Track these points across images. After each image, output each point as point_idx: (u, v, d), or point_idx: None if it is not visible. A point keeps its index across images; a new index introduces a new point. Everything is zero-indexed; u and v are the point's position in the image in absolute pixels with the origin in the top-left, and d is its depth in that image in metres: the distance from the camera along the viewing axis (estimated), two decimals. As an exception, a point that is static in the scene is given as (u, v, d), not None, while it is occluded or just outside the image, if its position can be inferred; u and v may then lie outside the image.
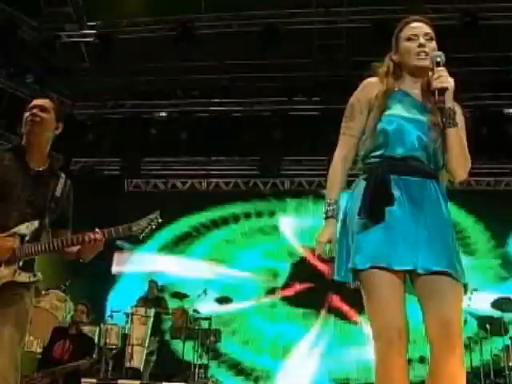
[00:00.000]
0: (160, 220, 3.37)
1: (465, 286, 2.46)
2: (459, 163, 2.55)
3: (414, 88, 2.65)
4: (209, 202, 11.88)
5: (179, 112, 11.64)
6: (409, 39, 2.62)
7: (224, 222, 11.86)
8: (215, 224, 11.85)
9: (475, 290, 8.79)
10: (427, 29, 2.64)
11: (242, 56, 10.05)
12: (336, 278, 2.56)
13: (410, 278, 2.50)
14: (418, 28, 2.63)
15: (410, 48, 2.60)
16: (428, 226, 2.44)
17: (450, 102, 2.47)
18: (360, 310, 9.86)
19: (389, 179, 2.48)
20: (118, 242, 10.92)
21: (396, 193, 2.47)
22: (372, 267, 2.42)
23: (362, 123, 2.64)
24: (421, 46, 2.58)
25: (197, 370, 8.84)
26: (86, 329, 8.32)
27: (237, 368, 10.52)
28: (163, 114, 11.82)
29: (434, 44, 2.61)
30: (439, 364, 2.37)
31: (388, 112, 2.56)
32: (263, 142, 11.11)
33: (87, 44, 10.15)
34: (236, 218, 11.88)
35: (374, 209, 2.44)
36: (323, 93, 10.71)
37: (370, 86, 2.67)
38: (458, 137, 2.51)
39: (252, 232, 11.79)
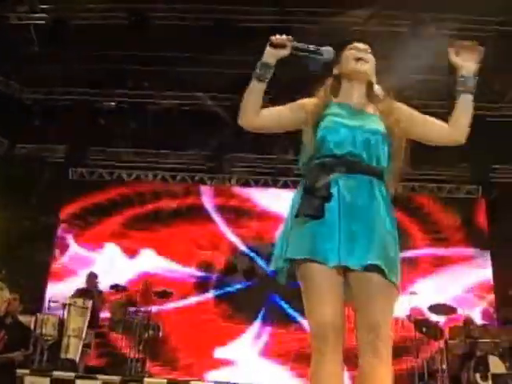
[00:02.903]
0: None
1: (398, 288, 2.44)
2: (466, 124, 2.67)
3: (351, 97, 2.76)
4: (152, 194, 11.79)
5: (129, 103, 11.50)
6: (349, 50, 2.77)
7: (159, 211, 11.69)
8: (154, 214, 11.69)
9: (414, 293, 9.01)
10: (367, 46, 2.79)
11: (192, 49, 9.91)
12: (272, 267, 2.58)
13: (346, 280, 2.48)
14: (360, 44, 2.79)
15: (349, 54, 2.75)
16: (361, 222, 2.44)
17: None
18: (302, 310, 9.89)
19: (327, 177, 2.51)
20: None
21: (333, 190, 2.49)
22: (309, 260, 2.43)
23: (284, 114, 2.79)
24: (359, 51, 2.74)
25: (134, 364, 8.76)
26: (22, 318, 8.17)
27: (172, 364, 10.36)
28: (112, 104, 11.66)
29: (371, 56, 2.77)
30: (366, 371, 2.37)
31: (326, 119, 2.65)
32: (212, 136, 11.04)
33: (38, 27, 9.90)
34: (170, 208, 11.67)
35: (311, 206, 2.46)
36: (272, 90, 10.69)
37: (310, 101, 2.79)
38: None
39: (187, 223, 11.59)
